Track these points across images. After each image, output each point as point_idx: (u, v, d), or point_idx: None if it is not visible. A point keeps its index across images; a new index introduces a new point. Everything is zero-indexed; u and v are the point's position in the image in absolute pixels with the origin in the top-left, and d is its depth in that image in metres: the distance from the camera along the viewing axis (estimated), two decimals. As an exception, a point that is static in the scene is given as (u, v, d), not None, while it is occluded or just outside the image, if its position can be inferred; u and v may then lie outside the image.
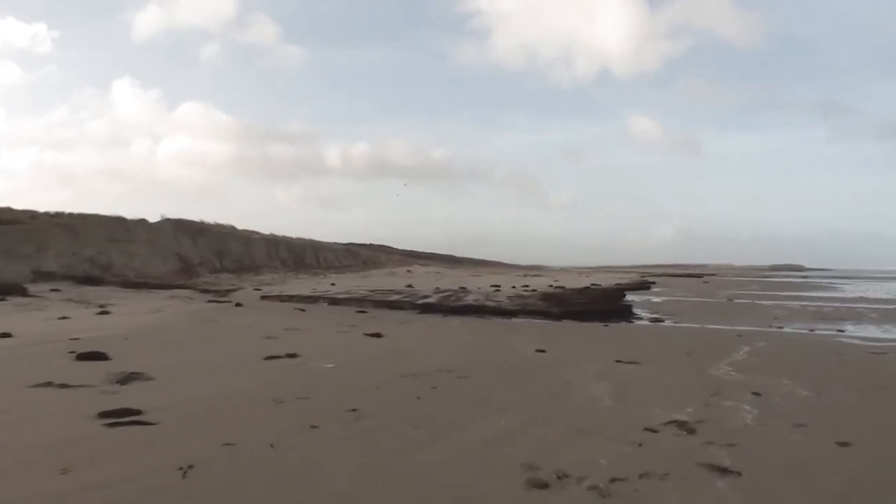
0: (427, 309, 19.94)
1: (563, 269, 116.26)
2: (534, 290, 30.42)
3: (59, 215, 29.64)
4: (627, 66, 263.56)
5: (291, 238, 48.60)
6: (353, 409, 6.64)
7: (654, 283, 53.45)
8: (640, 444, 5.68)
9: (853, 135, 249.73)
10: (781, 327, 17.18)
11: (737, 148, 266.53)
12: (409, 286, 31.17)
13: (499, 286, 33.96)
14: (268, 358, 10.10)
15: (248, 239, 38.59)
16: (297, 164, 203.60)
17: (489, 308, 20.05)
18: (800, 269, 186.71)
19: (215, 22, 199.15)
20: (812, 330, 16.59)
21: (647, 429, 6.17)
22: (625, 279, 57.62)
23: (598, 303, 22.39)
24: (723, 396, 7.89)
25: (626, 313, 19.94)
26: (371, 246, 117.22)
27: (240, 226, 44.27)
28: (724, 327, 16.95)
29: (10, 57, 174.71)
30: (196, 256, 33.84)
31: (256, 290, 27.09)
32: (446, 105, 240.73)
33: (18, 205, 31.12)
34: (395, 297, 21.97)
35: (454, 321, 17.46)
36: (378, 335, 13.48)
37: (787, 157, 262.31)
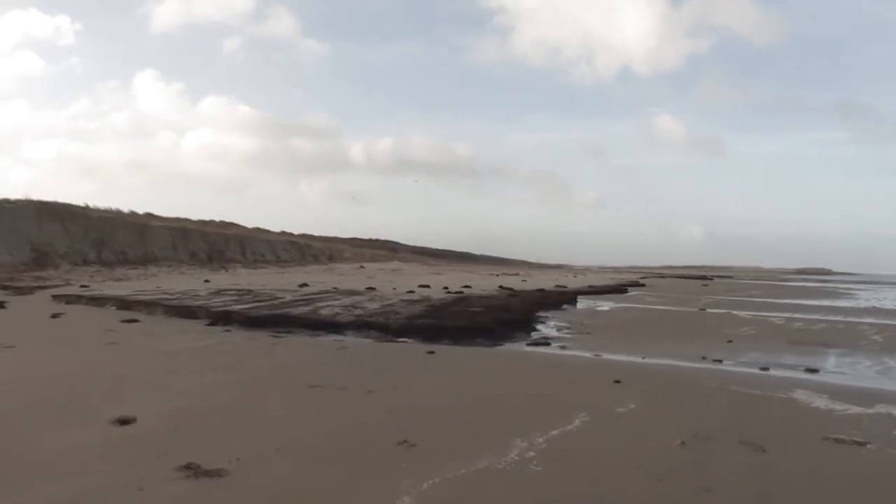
0: (223, 318, 14.02)
1: (585, 269, 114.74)
2: (458, 293, 24.24)
3: None
4: (650, 64, 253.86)
5: (230, 228, 43.06)
6: None
7: (643, 285, 46.96)
8: None
9: (875, 137, 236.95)
10: (720, 361, 10.80)
11: (760, 149, 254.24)
12: (304, 285, 25.28)
13: (427, 286, 27.93)
14: None
15: (145, 227, 32.86)
16: (321, 159, 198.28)
17: (310, 320, 13.98)
18: (826, 273, 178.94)
19: (234, 15, 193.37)
20: (765, 368, 10.21)
21: None
22: (617, 280, 51.44)
23: (493, 313, 16.22)
24: None
25: (507, 332, 13.70)
26: (375, 242, 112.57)
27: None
28: (625, 359, 10.68)
29: (33, 48, 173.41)
30: (62, 246, 28.18)
31: (83, 286, 21.33)
32: (469, 101, 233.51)
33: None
34: (197, 303, 16.00)
35: (214, 339, 11.46)
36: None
37: (810, 158, 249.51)
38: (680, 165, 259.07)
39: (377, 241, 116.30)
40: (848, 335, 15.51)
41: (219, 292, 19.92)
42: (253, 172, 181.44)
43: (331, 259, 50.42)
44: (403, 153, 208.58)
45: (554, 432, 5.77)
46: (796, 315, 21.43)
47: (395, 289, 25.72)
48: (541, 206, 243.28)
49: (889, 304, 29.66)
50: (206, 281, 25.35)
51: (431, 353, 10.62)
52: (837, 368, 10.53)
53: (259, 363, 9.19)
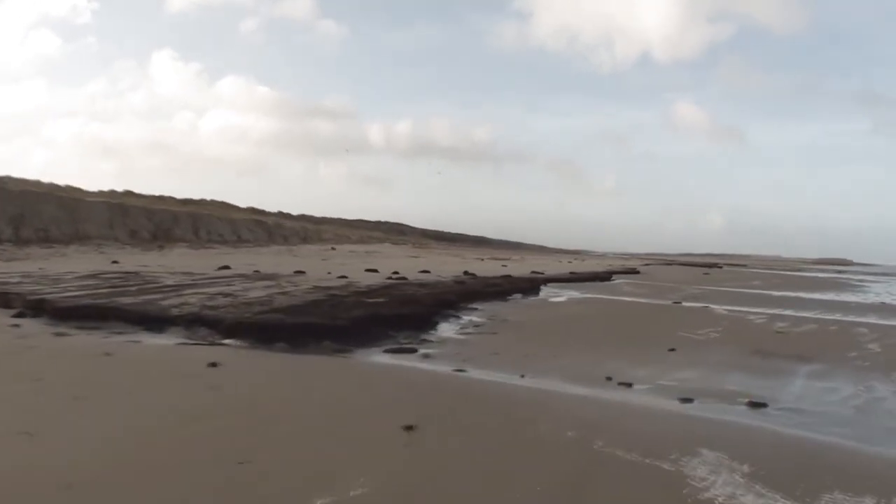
0: (35, 307, 11.26)
1: (603, 254, 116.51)
2: (401, 279, 21.03)
3: None
4: (669, 51, 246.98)
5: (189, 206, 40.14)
6: None
7: (638, 272, 43.61)
8: None
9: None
10: (629, 385, 7.53)
11: (781, 137, 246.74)
12: (224, 267, 22.30)
13: (375, 270, 24.79)
14: None
15: (77, 203, 29.93)
16: (339, 141, 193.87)
17: (134, 313, 10.89)
18: (846, 263, 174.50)
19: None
20: (688, 400, 6.95)
21: None
22: (615, 267, 48.20)
23: (393, 306, 13.05)
24: None
25: (383, 331, 10.52)
26: (382, 224, 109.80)
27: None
28: (492, 379, 7.48)
29: (50, 27, 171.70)
30: (-30, 221, 25.28)
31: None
32: (489, 86, 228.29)
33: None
34: (22, 290, 13.05)
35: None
36: None
37: (832, 148, 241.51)
38: (700, 153, 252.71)
39: (385, 223, 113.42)
40: (837, 341, 12.11)
41: (94, 276, 16.88)
42: (271, 154, 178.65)
43: (304, 240, 47.36)
44: (422, 137, 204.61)
45: None
46: (786, 312, 17.98)
47: (329, 273, 22.58)
48: (560, 191, 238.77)
49: (902, 299, 26.04)
50: (115, 262, 22.35)
51: (214, 365, 7.44)
52: (798, 401, 7.20)
53: None
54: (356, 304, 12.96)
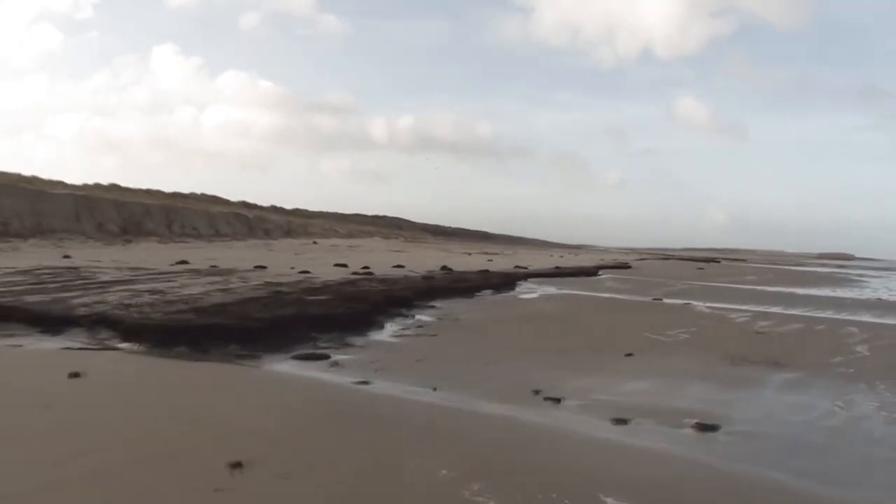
0: None
1: (605, 249, 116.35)
2: (367, 275, 19.87)
3: None
4: (671, 46, 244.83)
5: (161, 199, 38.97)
6: None
7: (629, 267, 42.38)
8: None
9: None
10: (558, 400, 6.38)
11: (783, 132, 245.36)
12: (182, 262, 21.17)
13: (345, 265, 23.63)
14: None
15: (40, 195, 28.78)
16: (342, 136, 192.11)
17: (35, 312, 9.78)
18: (848, 258, 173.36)
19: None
20: (622, 421, 5.83)
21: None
22: (610, 261, 46.95)
23: (338, 303, 11.92)
24: None
25: (307, 333, 9.40)
26: (381, 219, 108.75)
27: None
28: (391, 394, 6.28)
29: (52, 21, 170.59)
30: (-77, 213, 24.16)
31: None
32: (491, 81, 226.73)
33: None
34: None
35: None
36: None
37: (833, 143, 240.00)
38: (702, 148, 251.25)
39: (383, 217, 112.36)
40: (822, 343, 10.91)
41: (27, 272, 15.72)
42: (274, 149, 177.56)
43: (287, 234, 46.17)
44: (425, 132, 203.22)
45: None
46: (773, 309, 16.78)
47: (293, 268, 21.44)
48: (563, 187, 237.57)
49: (900, 295, 24.80)
50: (66, 257, 21.23)
51: (76, 375, 6.30)
52: (758, 422, 6.02)
53: None
54: (291, 303, 11.79)
